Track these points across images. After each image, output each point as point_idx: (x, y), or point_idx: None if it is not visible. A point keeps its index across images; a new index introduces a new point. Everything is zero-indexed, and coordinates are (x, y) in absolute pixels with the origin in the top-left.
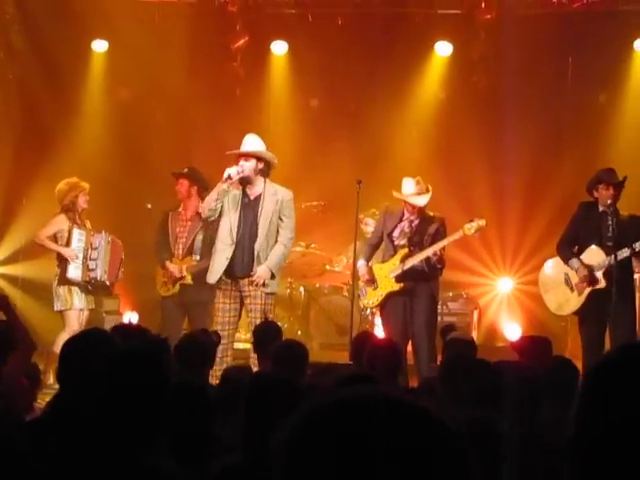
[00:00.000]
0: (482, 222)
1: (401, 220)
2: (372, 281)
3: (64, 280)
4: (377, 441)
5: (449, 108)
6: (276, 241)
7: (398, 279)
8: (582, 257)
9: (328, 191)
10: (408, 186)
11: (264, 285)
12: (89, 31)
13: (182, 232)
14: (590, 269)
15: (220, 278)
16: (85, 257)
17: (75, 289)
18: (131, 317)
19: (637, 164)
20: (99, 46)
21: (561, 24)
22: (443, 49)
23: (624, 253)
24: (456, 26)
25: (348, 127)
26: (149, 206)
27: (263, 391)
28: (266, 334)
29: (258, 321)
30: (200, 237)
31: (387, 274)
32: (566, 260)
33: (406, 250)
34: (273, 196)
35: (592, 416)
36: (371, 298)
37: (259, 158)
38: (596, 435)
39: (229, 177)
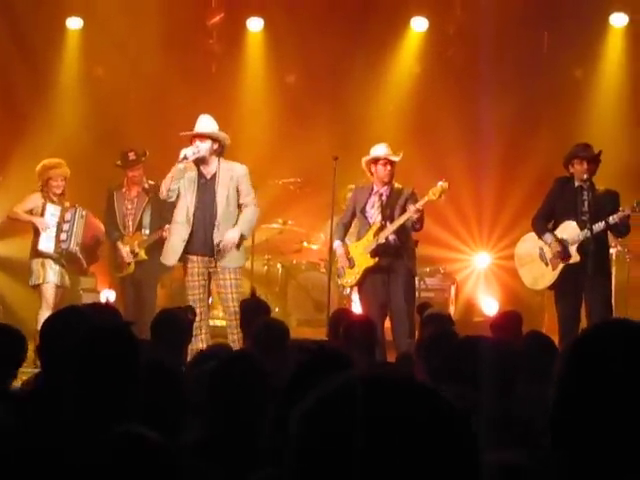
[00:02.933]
0: (445, 184)
1: (371, 194)
2: (350, 260)
3: (36, 253)
4: (362, 430)
5: (425, 83)
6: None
7: (373, 254)
8: (557, 232)
9: (305, 168)
10: (379, 148)
11: (231, 248)
12: (64, 8)
13: (130, 209)
14: (564, 243)
15: (182, 257)
16: (58, 230)
17: (49, 262)
18: (108, 295)
19: (613, 139)
20: (74, 23)
21: None
22: (419, 24)
23: (599, 227)
24: (432, 1)
25: (325, 103)
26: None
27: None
28: (253, 311)
29: (229, 296)
30: (148, 212)
31: (362, 251)
32: (540, 235)
33: (378, 224)
34: (228, 171)
35: (571, 390)
36: (349, 277)
37: (214, 139)
38: (574, 408)
39: (185, 157)
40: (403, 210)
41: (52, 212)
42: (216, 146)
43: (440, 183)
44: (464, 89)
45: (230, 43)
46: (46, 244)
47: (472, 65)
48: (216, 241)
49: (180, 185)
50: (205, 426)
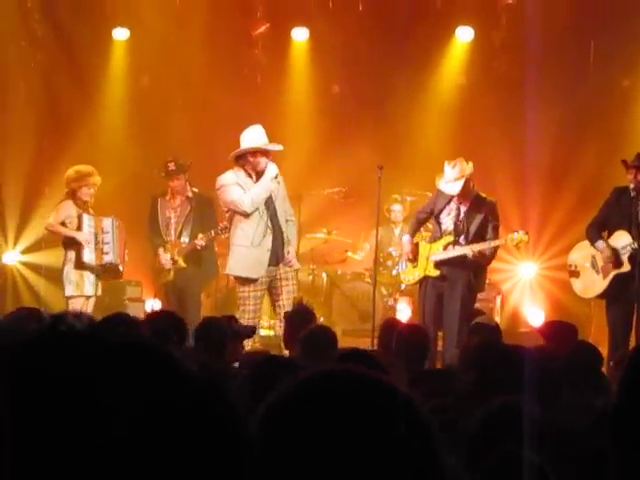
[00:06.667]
0: (525, 237)
1: (451, 201)
2: (414, 259)
3: (79, 265)
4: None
5: (470, 94)
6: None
7: (437, 266)
8: (609, 240)
9: (350, 177)
10: (445, 172)
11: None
12: (110, 19)
13: (173, 217)
14: (615, 251)
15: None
16: (97, 241)
17: (87, 274)
18: (153, 304)
19: None
20: (120, 34)
21: (582, 8)
22: (464, 34)
23: None
24: (477, 11)
25: (369, 113)
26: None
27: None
28: (301, 319)
29: (291, 302)
30: (190, 221)
31: (428, 256)
32: (593, 242)
33: (451, 238)
34: (276, 180)
35: (634, 398)
36: (409, 275)
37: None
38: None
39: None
40: (478, 229)
41: (88, 223)
42: None
43: (522, 236)
44: (510, 100)
45: (275, 53)
46: (89, 256)
47: (518, 75)
48: (286, 255)
49: None
50: None
